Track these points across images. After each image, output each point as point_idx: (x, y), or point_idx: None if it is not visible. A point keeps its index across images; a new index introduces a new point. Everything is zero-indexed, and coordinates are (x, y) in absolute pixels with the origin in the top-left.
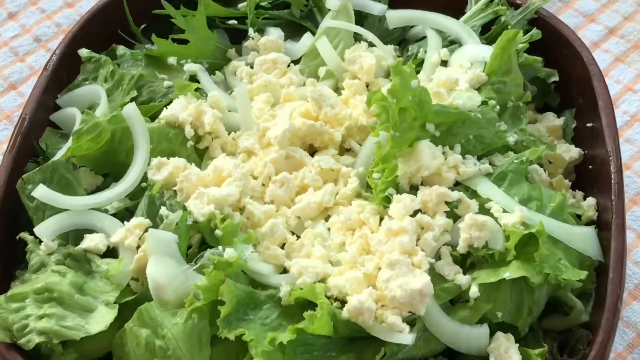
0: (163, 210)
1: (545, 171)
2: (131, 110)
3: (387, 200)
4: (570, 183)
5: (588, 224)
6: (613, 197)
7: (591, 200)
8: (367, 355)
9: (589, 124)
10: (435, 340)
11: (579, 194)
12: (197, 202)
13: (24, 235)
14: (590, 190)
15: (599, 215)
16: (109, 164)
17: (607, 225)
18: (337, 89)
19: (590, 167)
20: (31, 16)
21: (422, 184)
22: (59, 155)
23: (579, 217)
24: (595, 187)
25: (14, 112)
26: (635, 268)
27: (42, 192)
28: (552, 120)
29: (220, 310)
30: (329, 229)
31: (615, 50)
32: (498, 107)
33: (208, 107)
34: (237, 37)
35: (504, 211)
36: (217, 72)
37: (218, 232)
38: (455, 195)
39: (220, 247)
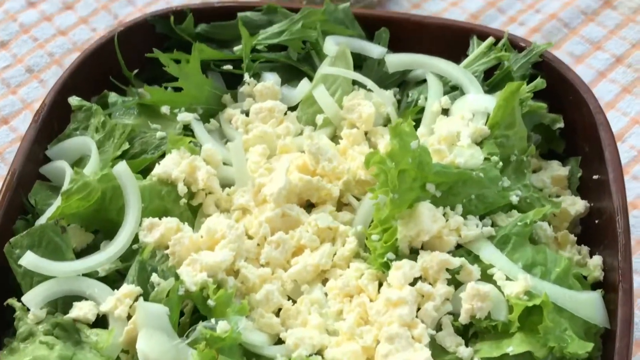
0: (154, 277)
1: (550, 225)
2: (122, 170)
3: (386, 266)
4: (575, 238)
5: (594, 284)
6: (620, 259)
7: (597, 260)
8: None
9: (595, 177)
10: None
11: (585, 249)
12: (190, 269)
13: (12, 301)
14: (597, 247)
15: (605, 275)
16: (100, 222)
17: (614, 288)
18: (335, 137)
19: (596, 221)
20: (23, 45)
21: (422, 248)
22: (48, 214)
23: (585, 277)
24: (601, 244)
25: (5, 148)
26: None
27: (29, 260)
28: (557, 169)
29: None
30: (326, 294)
31: (623, 80)
32: (501, 163)
33: (202, 163)
34: (233, 80)
35: (507, 278)
36: (211, 119)
37: (211, 302)
38: (457, 262)
39: (212, 320)
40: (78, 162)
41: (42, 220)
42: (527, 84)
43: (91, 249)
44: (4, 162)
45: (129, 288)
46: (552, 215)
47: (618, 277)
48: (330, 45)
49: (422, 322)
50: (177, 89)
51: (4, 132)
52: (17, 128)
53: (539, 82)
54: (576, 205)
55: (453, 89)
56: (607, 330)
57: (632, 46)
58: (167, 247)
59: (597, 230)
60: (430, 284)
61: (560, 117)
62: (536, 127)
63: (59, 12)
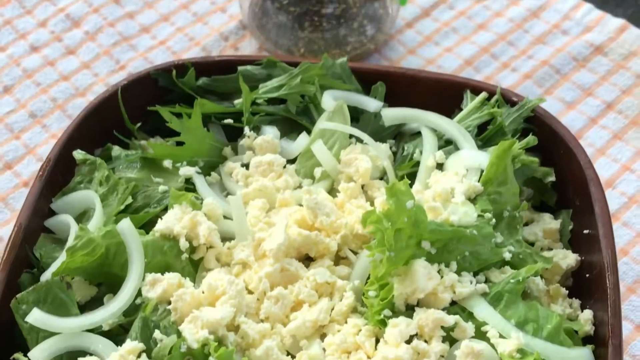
0: (157, 334)
1: (542, 278)
2: (126, 227)
3: (383, 322)
4: (567, 291)
5: (585, 338)
6: (610, 315)
7: (588, 314)
8: None
9: (585, 231)
10: None
11: (576, 302)
12: (192, 326)
13: (19, 356)
14: (588, 300)
15: (596, 330)
16: (103, 276)
17: (604, 343)
18: (333, 189)
19: (587, 275)
20: (26, 90)
21: (418, 305)
22: (52, 268)
23: (576, 332)
24: (592, 298)
25: (9, 194)
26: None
27: (36, 317)
28: (549, 222)
29: None
30: (324, 350)
31: (614, 126)
32: (494, 220)
33: (203, 218)
34: (234, 132)
35: (501, 335)
36: (212, 173)
37: (212, 359)
38: (452, 320)
39: None
40: (82, 215)
41: (47, 274)
42: (519, 138)
43: (95, 301)
44: (7, 207)
45: (132, 344)
46: (544, 269)
47: (608, 332)
48: (328, 100)
49: None
50: (179, 143)
51: (8, 177)
52: (21, 173)
53: (531, 139)
54: (567, 258)
55: (447, 143)
56: None
57: (622, 92)
58: (169, 302)
59: (588, 284)
60: (425, 341)
61: (552, 170)
62: (528, 180)
63: (61, 57)
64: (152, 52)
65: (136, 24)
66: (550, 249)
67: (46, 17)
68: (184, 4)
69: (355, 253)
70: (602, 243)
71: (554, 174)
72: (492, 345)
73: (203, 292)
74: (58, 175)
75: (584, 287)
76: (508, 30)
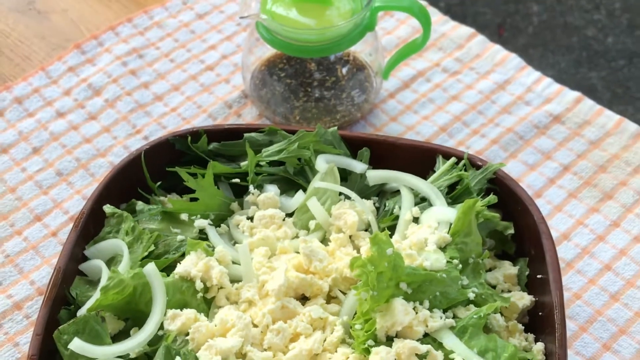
0: (178, 359)
1: (502, 315)
2: (151, 270)
3: (367, 351)
4: (523, 327)
5: None
6: (557, 346)
7: (540, 346)
8: None
9: (538, 276)
10: None
11: (531, 336)
12: (207, 353)
13: None
14: (540, 335)
15: (546, 359)
16: (131, 312)
17: None
18: (325, 239)
19: (540, 313)
20: (53, 151)
21: (396, 336)
22: (88, 304)
23: None
24: (544, 332)
25: (39, 242)
26: None
27: (77, 345)
28: (508, 269)
29: None
30: None
31: (569, 186)
32: (460, 265)
33: (215, 263)
34: (240, 190)
35: None
36: (222, 224)
37: None
38: (424, 348)
39: None
40: (111, 260)
41: (82, 310)
42: (483, 197)
43: (123, 334)
44: (38, 255)
45: None
46: (504, 307)
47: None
48: (321, 163)
49: None
50: (194, 199)
51: (38, 228)
52: (49, 224)
53: (492, 198)
54: (524, 299)
55: (422, 200)
56: None
57: (577, 157)
58: (187, 334)
59: (540, 320)
60: None
61: (511, 224)
62: (491, 232)
63: (84, 122)
64: (165, 118)
65: (150, 93)
66: (509, 291)
67: (70, 86)
68: (193, 75)
69: (344, 293)
70: (552, 286)
71: (512, 228)
72: None
73: (216, 325)
74: (90, 226)
75: (537, 324)
76: (478, 101)
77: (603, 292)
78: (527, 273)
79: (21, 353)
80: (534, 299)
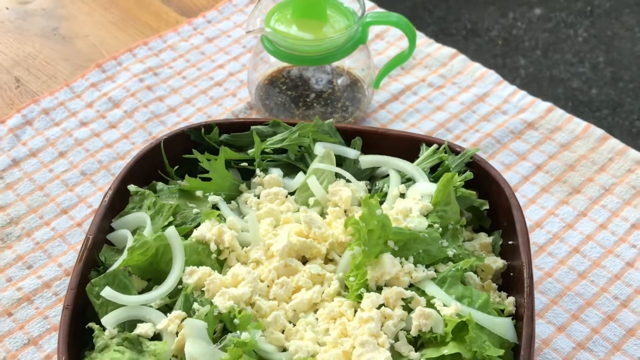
0: (195, 305)
1: (478, 277)
2: (171, 232)
3: (360, 297)
4: (497, 286)
5: (509, 316)
6: (525, 297)
7: (511, 299)
8: None
9: (510, 242)
10: None
11: (504, 294)
12: (221, 299)
13: (92, 324)
14: (512, 291)
15: (516, 310)
16: (152, 272)
17: (521, 317)
18: (323, 214)
19: (511, 274)
20: (78, 155)
21: (385, 285)
22: (116, 265)
23: (502, 311)
24: (515, 289)
25: (66, 231)
26: (555, 354)
27: (108, 293)
28: (484, 239)
29: None
30: (317, 319)
31: (542, 182)
32: (441, 229)
33: (227, 228)
34: (247, 174)
35: (444, 305)
36: (232, 201)
37: (236, 320)
38: (409, 294)
39: (238, 332)
40: (135, 231)
41: (111, 269)
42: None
43: (145, 292)
44: (65, 242)
45: (177, 312)
46: (480, 270)
47: (524, 309)
48: (319, 148)
49: (384, 334)
50: (207, 179)
51: (64, 220)
52: (75, 217)
53: (468, 174)
54: (497, 262)
55: (408, 180)
56: (516, 346)
57: (549, 157)
58: (203, 287)
59: (512, 280)
60: (390, 308)
61: (486, 201)
62: (468, 208)
63: (105, 130)
64: (178, 126)
65: (165, 105)
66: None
67: (92, 100)
68: (203, 90)
69: (339, 256)
70: (521, 248)
71: (487, 204)
72: (438, 312)
73: (228, 279)
74: (116, 203)
75: (510, 284)
76: (460, 111)
77: (572, 271)
78: (500, 242)
79: (51, 324)
80: (506, 262)
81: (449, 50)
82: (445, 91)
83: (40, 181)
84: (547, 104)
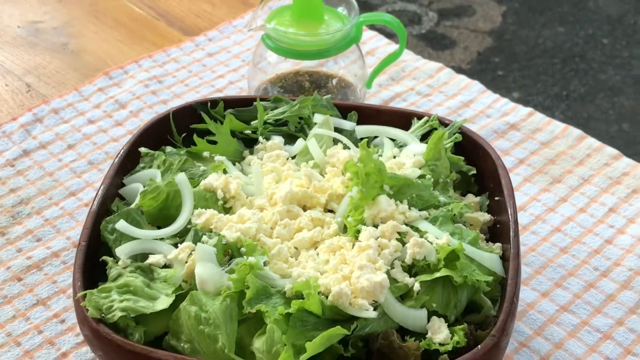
0: (204, 238)
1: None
2: (182, 178)
3: (358, 232)
4: (484, 237)
5: None
6: (512, 243)
7: (498, 244)
8: (345, 328)
9: (496, 198)
10: (390, 320)
11: (491, 243)
12: (228, 232)
13: (106, 257)
14: (499, 240)
15: (503, 252)
16: (163, 218)
17: (508, 258)
18: (321, 175)
19: (497, 226)
20: (85, 147)
21: (381, 223)
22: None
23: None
24: (501, 238)
25: (74, 210)
26: (539, 315)
27: (122, 225)
28: (472, 199)
29: (245, 295)
30: (317, 254)
31: (524, 174)
32: (432, 179)
33: (233, 179)
34: (250, 144)
35: (437, 238)
36: (237, 164)
37: (243, 249)
38: (404, 228)
39: (244, 257)
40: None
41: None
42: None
43: None
44: (73, 219)
45: (187, 244)
46: (468, 224)
47: (510, 249)
48: (318, 117)
49: (381, 260)
50: (213, 143)
51: (73, 201)
52: (82, 199)
53: (457, 136)
54: (485, 216)
55: (401, 147)
56: (503, 279)
57: (531, 153)
58: (211, 226)
59: (498, 232)
60: (387, 240)
61: (474, 168)
62: (457, 173)
63: (112, 127)
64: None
65: (168, 107)
66: None
67: (100, 102)
68: (205, 95)
69: (338, 206)
70: (508, 203)
71: (475, 170)
72: (431, 243)
73: (234, 219)
74: (128, 164)
75: (497, 236)
76: (446, 114)
77: (554, 246)
78: (487, 202)
79: (59, 288)
80: (493, 217)
81: (435, 65)
82: (432, 98)
83: (50, 169)
84: (528, 109)
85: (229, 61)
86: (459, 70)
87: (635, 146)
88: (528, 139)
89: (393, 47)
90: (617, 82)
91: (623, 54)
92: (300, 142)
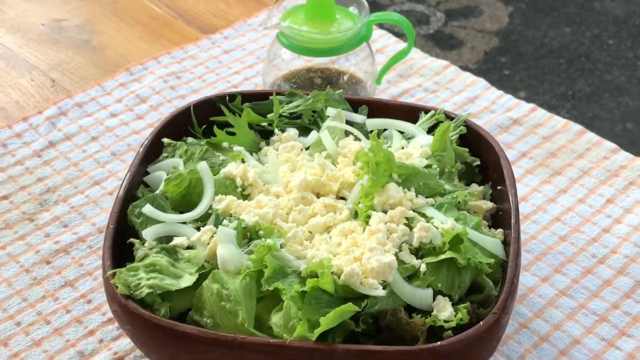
0: (225, 222)
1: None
2: (203, 166)
3: (368, 217)
4: (487, 223)
5: None
6: (512, 229)
7: (500, 230)
8: (357, 305)
9: (498, 187)
10: (398, 298)
11: (493, 229)
12: (247, 216)
13: (133, 240)
14: (500, 226)
15: (505, 239)
16: (185, 204)
17: (509, 243)
18: (334, 165)
19: (500, 213)
20: (108, 139)
21: (390, 209)
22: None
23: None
24: (503, 224)
25: (98, 198)
26: (539, 299)
27: (148, 210)
28: (475, 188)
29: (263, 274)
30: (330, 237)
31: (526, 166)
32: (438, 169)
33: (250, 167)
34: (267, 135)
35: (442, 223)
36: (253, 154)
37: (261, 232)
38: (412, 214)
39: (262, 239)
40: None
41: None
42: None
43: None
44: (98, 207)
45: (209, 227)
46: (472, 211)
47: (511, 235)
48: (330, 110)
49: (390, 243)
50: (232, 134)
51: (97, 189)
52: (106, 187)
53: (462, 129)
54: (487, 204)
55: (409, 139)
56: (504, 262)
57: (532, 147)
58: (230, 211)
59: (500, 220)
60: (395, 225)
61: (478, 159)
62: (462, 164)
63: (133, 121)
64: None
65: (187, 102)
66: None
67: (121, 96)
68: (221, 90)
69: (349, 193)
70: (509, 192)
71: (479, 160)
72: (436, 227)
73: (253, 204)
74: (151, 154)
75: (498, 221)
76: (452, 109)
77: (554, 235)
78: (490, 192)
79: (85, 271)
80: (495, 205)
81: (442, 62)
82: (439, 94)
83: (75, 159)
84: (530, 105)
85: (244, 58)
86: (466, 69)
87: (639, 145)
88: (530, 134)
89: (402, 45)
90: (622, 82)
91: (628, 54)
92: (313, 134)
